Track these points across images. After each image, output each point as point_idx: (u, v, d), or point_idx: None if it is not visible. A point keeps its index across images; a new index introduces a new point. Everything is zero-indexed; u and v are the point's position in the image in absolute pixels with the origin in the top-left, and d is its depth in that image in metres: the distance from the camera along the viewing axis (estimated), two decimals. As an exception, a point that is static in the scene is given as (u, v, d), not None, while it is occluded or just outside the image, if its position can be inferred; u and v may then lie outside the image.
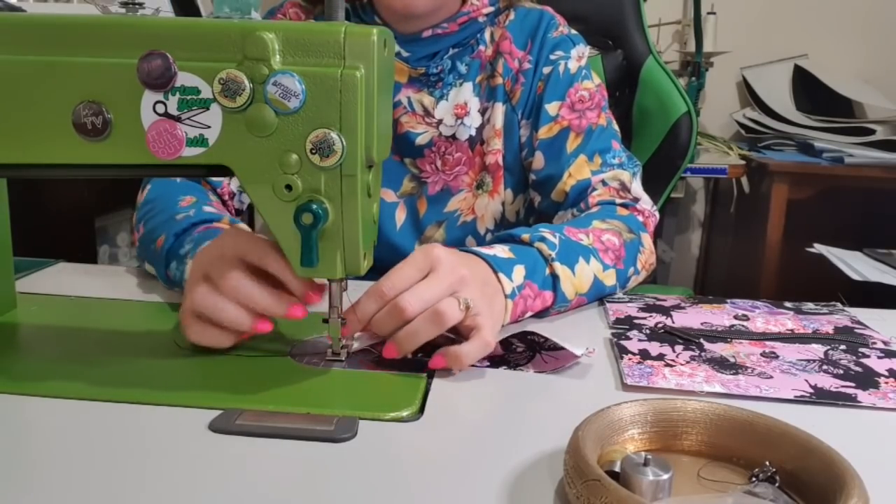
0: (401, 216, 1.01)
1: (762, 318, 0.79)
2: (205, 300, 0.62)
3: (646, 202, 0.96)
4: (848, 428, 0.57)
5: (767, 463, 0.47)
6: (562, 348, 0.67)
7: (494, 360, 0.67)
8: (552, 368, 0.66)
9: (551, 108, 0.97)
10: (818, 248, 1.52)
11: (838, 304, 0.85)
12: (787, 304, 0.85)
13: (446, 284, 0.64)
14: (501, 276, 0.72)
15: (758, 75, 2.45)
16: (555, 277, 0.77)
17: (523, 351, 0.70)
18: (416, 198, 1.01)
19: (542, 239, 0.79)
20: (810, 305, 0.85)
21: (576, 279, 0.79)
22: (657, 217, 0.97)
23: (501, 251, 0.75)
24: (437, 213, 1.01)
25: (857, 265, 1.39)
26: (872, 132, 2.13)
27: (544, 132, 0.97)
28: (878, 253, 1.46)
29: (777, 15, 2.49)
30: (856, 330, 0.76)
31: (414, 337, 0.63)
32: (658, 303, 0.84)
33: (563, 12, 1.04)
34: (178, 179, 0.92)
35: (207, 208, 0.84)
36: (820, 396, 0.61)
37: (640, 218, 0.93)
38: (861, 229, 2.30)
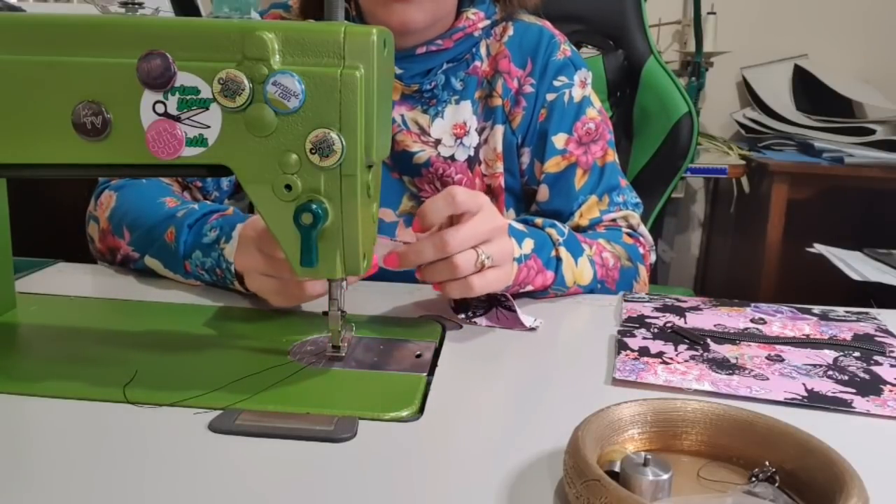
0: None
1: (780, 322, 0.77)
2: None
3: (648, 240, 0.99)
4: (840, 433, 0.56)
5: (767, 463, 0.47)
6: (515, 312, 0.75)
7: (458, 303, 0.77)
8: (503, 326, 0.76)
9: (558, 140, 0.96)
10: (818, 248, 1.52)
11: (870, 312, 0.82)
12: (815, 310, 0.82)
13: (487, 229, 0.70)
14: (513, 241, 0.77)
15: (758, 75, 2.45)
16: (558, 260, 0.83)
17: (483, 301, 0.77)
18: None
19: (553, 225, 0.86)
20: (839, 312, 0.82)
21: (577, 269, 0.85)
22: (654, 257, 1.00)
23: (517, 224, 0.82)
24: None
25: (857, 265, 1.39)
26: (872, 132, 2.13)
27: (551, 166, 0.97)
28: (878, 253, 1.46)
29: (777, 15, 2.49)
30: (876, 338, 0.74)
31: (430, 274, 0.70)
32: (677, 304, 0.83)
33: (565, 12, 1.04)
34: (144, 181, 0.92)
35: (204, 201, 0.87)
36: (812, 400, 0.60)
37: (641, 250, 0.96)
38: (861, 229, 2.30)
